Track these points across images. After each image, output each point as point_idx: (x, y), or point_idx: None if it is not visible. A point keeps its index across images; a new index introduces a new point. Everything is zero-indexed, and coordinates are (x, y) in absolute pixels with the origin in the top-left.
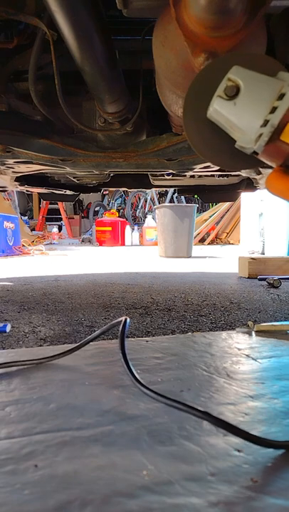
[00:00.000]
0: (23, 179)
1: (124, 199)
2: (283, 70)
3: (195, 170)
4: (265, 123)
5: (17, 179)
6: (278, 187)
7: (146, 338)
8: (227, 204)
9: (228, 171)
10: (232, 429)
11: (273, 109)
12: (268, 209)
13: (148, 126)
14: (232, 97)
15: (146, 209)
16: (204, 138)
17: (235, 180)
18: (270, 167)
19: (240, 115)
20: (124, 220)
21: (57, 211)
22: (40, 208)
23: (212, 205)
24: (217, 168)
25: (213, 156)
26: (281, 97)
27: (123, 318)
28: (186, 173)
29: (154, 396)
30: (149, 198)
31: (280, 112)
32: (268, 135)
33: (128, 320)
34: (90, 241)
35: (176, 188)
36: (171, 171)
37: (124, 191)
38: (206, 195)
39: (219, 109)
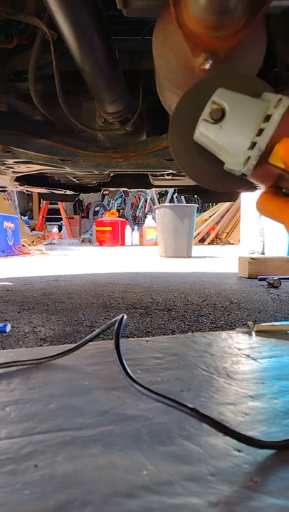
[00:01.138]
0: (23, 179)
1: (124, 199)
2: (269, 90)
3: None
4: (253, 145)
5: (17, 179)
6: (269, 208)
7: (146, 338)
8: (227, 204)
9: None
10: (217, 427)
11: (260, 131)
12: None
13: (148, 126)
14: (218, 120)
15: (146, 209)
16: (192, 160)
17: None
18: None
19: (227, 138)
20: (124, 220)
21: (57, 211)
22: (40, 207)
23: (212, 205)
24: None
25: (202, 178)
26: (267, 118)
27: (120, 316)
28: None
29: (149, 394)
30: (149, 198)
31: (267, 134)
32: (256, 158)
33: (124, 317)
34: (90, 241)
35: (176, 188)
36: (171, 171)
37: (124, 191)
38: (206, 195)
39: (205, 133)
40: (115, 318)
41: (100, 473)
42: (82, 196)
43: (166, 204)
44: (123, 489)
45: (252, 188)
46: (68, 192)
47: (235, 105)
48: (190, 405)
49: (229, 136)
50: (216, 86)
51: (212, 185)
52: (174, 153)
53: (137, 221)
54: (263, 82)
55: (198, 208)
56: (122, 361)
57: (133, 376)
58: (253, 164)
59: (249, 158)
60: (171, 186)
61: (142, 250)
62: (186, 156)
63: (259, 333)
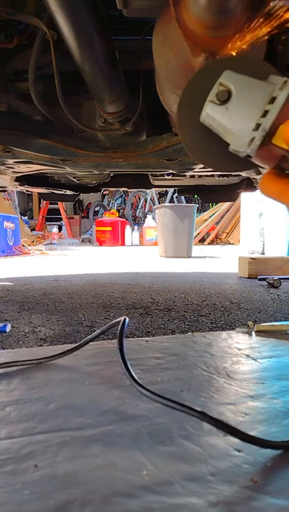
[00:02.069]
0: (23, 179)
1: (124, 199)
2: (275, 73)
3: (195, 170)
4: (257, 127)
5: (17, 179)
6: (272, 189)
7: (146, 338)
8: (227, 204)
9: (228, 171)
10: (221, 426)
11: (265, 113)
12: (267, 209)
13: (148, 126)
14: (224, 101)
15: (146, 209)
16: (199, 142)
17: (236, 180)
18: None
19: (233, 119)
20: (124, 220)
21: (57, 211)
22: (40, 207)
23: (212, 205)
24: None
25: (208, 160)
26: (272, 100)
27: (122, 318)
28: (186, 173)
29: (151, 396)
30: (149, 198)
31: (271, 115)
32: (260, 139)
33: (127, 320)
34: (90, 241)
35: (176, 188)
36: (171, 171)
37: (124, 191)
38: (206, 195)
39: (212, 114)
40: (116, 320)
41: (100, 473)
42: (82, 196)
43: (166, 204)
44: (123, 489)
45: (256, 170)
46: (68, 192)
47: (242, 87)
48: (198, 409)
49: (235, 117)
50: (224, 69)
51: (217, 167)
52: (181, 134)
53: (137, 221)
54: (270, 66)
55: (198, 207)
56: (126, 364)
57: (138, 380)
58: (257, 145)
59: (253, 139)
60: (171, 186)
61: (142, 250)
62: (192, 137)
63: (259, 333)
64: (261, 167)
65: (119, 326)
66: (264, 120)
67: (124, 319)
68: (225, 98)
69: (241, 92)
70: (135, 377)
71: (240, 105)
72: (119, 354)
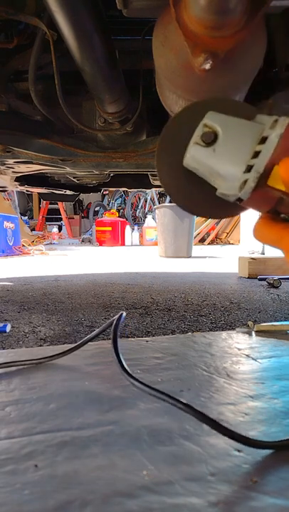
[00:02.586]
0: (23, 179)
1: (124, 199)
2: (260, 113)
3: None
4: (249, 168)
5: (17, 179)
6: (268, 235)
7: (146, 338)
8: None
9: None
10: (220, 429)
11: (256, 154)
12: None
13: (148, 126)
14: (210, 143)
15: (146, 209)
16: (181, 188)
17: None
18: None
19: (221, 162)
20: (124, 220)
21: (57, 211)
22: (40, 207)
23: None
24: None
25: (191, 206)
26: (263, 140)
27: (119, 314)
28: None
29: (146, 390)
30: (149, 198)
31: (265, 155)
32: (255, 180)
33: (124, 314)
34: (90, 241)
35: None
36: None
37: (124, 191)
38: None
39: (197, 157)
40: (115, 317)
41: (100, 473)
42: (82, 196)
43: (166, 204)
44: (123, 489)
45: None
46: (68, 192)
47: (228, 128)
48: (184, 401)
49: (223, 159)
50: (206, 110)
51: (202, 214)
52: (160, 179)
53: (137, 221)
54: (254, 108)
55: None
56: (119, 358)
57: (131, 372)
58: (252, 187)
59: (246, 181)
60: None
61: (142, 250)
62: (175, 183)
63: (259, 333)
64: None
65: (114, 321)
66: (257, 161)
67: (121, 314)
68: (211, 140)
69: (228, 132)
70: (129, 370)
71: (228, 147)
72: (112, 348)
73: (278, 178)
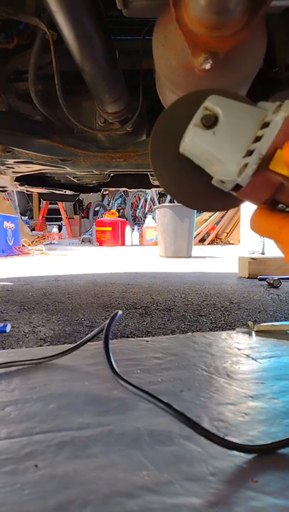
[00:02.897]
0: (23, 179)
1: (124, 199)
2: (262, 102)
3: None
4: (249, 153)
5: (17, 179)
6: (266, 226)
7: (146, 338)
8: None
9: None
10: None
11: (257, 139)
12: None
13: (148, 126)
14: (210, 126)
15: (146, 209)
16: (176, 178)
17: None
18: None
19: (220, 145)
20: (124, 220)
21: (57, 211)
22: (40, 207)
23: None
24: None
25: (185, 197)
26: (266, 125)
27: (115, 312)
28: None
29: (127, 386)
30: (149, 198)
31: (269, 138)
32: (256, 162)
33: (119, 313)
34: (90, 241)
35: None
36: None
37: (124, 191)
38: None
39: (196, 140)
40: (111, 316)
41: (100, 473)
42: (82, 196)
43: (166, 204)
44: (123, 489)
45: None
46: (68, 192)
47: (230, 111)
48: (165, 400)
49: (223, 142)
50: (205, 97)
51: (196, 206)
52: (154, 169)
53: (137, 221)
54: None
55: None
56: (108, 355)
57: (117, 369)
58: (253, 169)
59: (246, 165)
60: None
61: (142, 250)
62: (169, 174)
63: (259, 333)
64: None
65: (109, 318)
66: (258, 145)
67: (116, 313)
68: (211, 123)
69: (230, 116)
70: (114, 365)
71: (229, 130)
72: (103, 345)
73: (281, 162)
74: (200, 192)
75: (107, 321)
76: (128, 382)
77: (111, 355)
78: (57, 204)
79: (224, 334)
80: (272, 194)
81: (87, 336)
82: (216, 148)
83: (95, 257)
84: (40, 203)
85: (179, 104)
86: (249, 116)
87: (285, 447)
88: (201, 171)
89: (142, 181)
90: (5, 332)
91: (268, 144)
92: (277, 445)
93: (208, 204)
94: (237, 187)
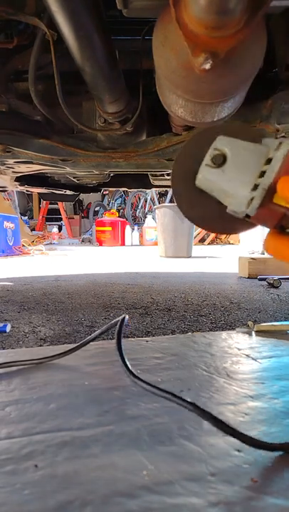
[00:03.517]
0: (23, 179)
1: (124, 199)
2: (266, 137)
3: None
4: (256, 187)
5: (17, 179)
6: (279, 248)
7: (147, 338)
8: None
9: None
10: (227, 429)
11: (262, 174)
12: None
13: (148, 126)
14: (220, 165)
15: (146, 209)
16: (195, 206)
17: None
18: None
19: (230, 181)
20: (124, 220)
21: (57, 211)
22: (40, 207)
23: None
24: None
25: (204, 223)
26: (268, 161)
27: (121, 317)
28: None
29: (155, 391)
30: (149, 198)
31: (270, 174)
32: (260, 197)
33: (126, 317)
34: (90, 241)
35: None
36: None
37: (124, 191)
38: None
39: (208, 177)
40: (117, 319)
41: (100, 473)
42: (82, 196)
43: (166, 204)
44: (123, 489)
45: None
46: (68, 192)
47: (236, 150)
48: (189, 400)
49: (232, 179)
50: (217, 134)
51: (214, 230)
52: (176, 200)
53: (137, 221)
54: (261, 131)
55: None
56: (124, 361)
57: (140, 377)
58: (258, 203)
59: (253, 198)
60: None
61: (142, 250)
62: (188, 202)
63: (259, 333)
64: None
65: (118, 324)
66: (262, 180)
67: (124, 317)
68: (220, 162)
69: (236, 155)
70: (136, 373)
71: (236, 168)
72: (117, 352)
73: (281, 196)
74: (219, 218)
75: (111, 322)
76: (148, 383)
77: (129, 366)
78: (57, 204)
79: (224, 334)
80: (279, 221)
81: (88, 337)
82: (226, 184)
83: (95, 257)
84: (40, 203)
85: (195, 142)
86: (254, 153)
87: None
88: (216, 200)
89: (142, 181)
90: (5, 332)
91: (270, 180)
92: None
93: (227, 227)
94: (248, 216)
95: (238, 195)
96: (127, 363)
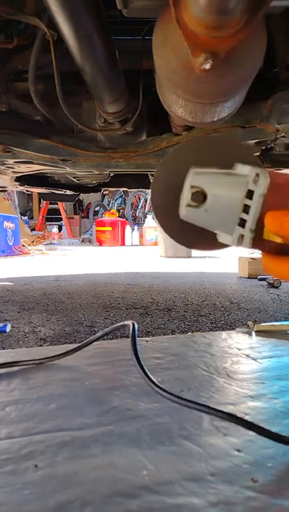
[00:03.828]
0: (23, 179)
1: (124, 199)
2: (241, 164)
3: None
4: (242, 222)
5: (17, 179)
6: (279, 269)
7: (147, 338)
8: None
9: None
10: (256, 429)
11: (245, 207)
12: None
13: (148, 126)
14: (201, 202)
15: (146, 209)
16: (182, 234)
17: None
18: None
19: (214, 219)
20: (124, 220)
21: (57, 211)
22: (40, 207)
23: None
24: None
25: (196, 247)
26: (250, 194)
27: (130, 323)
28: None
29: (169, 397)
30: (149, 197)
31: (254, 213)
32: (251, 237)
33: (136, 325)
34: (90, 241)
35: None
36: None
37: (124, 191)
38: None
39: (191, 216)
40: (120, 323)
41: (100, 473)
42: (82, 196)
43: None
44: (123, 489)
45: None
46: (68, 192)
47: (214, 186)
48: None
49: (216, 216)
50: (191, 155)
51: (206, 250)
52: (163, 229)
53: (137, 221)
54: (238, 144)
55: None
56: (144, 370)
57: (157, 383)
58: (249, 242)
59: (243, 236)
60: None
61: (142, 250)
62: (175, 230)
63: (259, 333)
64: None
65: (130, 332)
66: (248, 217)
67: (134, 324)
68: (201, 199)
69: (215, 191)
70: (155, 381)
71: (218, 204)
72: (134, 358)
73: (270, 232)
74: (212, 243)
75: (114, 326)
76: (169, 392)
77: (147, 371)
78: (57, 204)
79: (224, 334)
80: (274, 249)
81: (90, 338)
82: (211, 221)
83: (95, 257)
84: (40, 203)
85: (168, 163)
86: (233, 188)
87: None
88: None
89: (142, 181)
90: (5, 332)
91: (255, 220)
92: None
93: (219, 247)
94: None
95: (226, 231)
96: (148, 373)
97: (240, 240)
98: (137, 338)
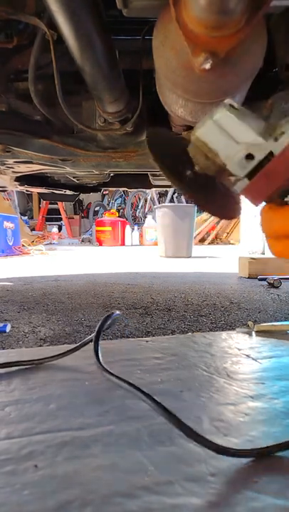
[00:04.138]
0: (23, 179)
1: (124, 199)
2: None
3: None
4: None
5: (17, 179)
6: (278, 222)
7: (146, 338)
8: None
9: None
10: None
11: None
12: None
13: (148, 126)
14: (236, 109)
15: (146, 209)
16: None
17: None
18: None
19: (242, 126)
20: (124, 220)
21: (57, 211)
22: (40, 207)
23: None
24: None
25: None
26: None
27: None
28: None
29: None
30: (149, 198)
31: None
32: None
33: (116, 313)
34: (89, 241)
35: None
36: None
37: (124, 191)
38: None
39: (224, 119)
40: (106, 315)
41: (100, 473)
42: (82, 196)
43: (166, 204)
44: (123, 489)
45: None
46: (68, 192)
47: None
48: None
49: (244, 125)
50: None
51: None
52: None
53: (137, 221)
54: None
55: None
56: (97, 353)
57: (105, 366)
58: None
59: (283, 133)
60: (171, 186)
61: (142, 250)
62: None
63: (259, 333)
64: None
65: (104, 317)
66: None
67: (112, 313)
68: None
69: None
70: (101, 362)
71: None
72: (93, 343)
73: None
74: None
75: (109, 321)
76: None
77: (100, 355)
78: (57, 204)
79: (224, 334)
80: (282, 185)
81: (88, 337)
82: (243, 125)
83: (94, 257)
84: (40, 203)
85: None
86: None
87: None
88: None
89: (142, 181)
90: (5, 332)
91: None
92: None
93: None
94: (257, 168)
95: (261, 131)
96: (100, 357)
97: (278, 137)
98: (137, 338)
